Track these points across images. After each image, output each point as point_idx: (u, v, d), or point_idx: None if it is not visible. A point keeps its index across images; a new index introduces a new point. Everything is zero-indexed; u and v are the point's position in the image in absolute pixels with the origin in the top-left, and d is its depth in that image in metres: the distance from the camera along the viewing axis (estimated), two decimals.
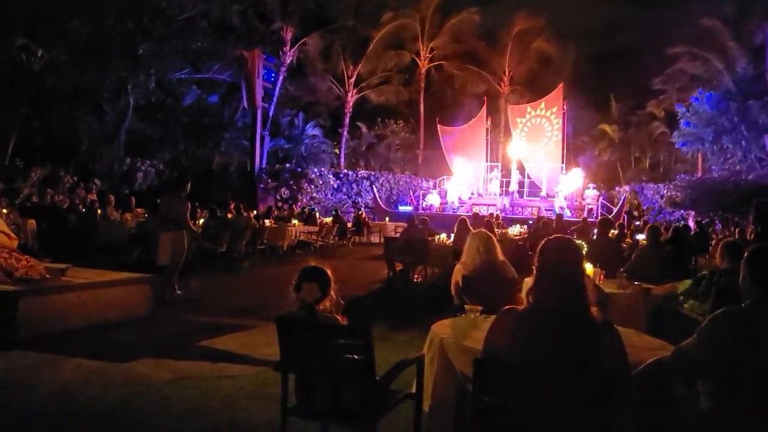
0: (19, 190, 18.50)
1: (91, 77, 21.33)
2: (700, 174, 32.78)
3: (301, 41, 31.57)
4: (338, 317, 3.42)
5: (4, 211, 12.24)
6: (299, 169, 30.09)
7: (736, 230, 18.01)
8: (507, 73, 38.99)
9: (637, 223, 23.24)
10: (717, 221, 25.29)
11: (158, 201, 10.27)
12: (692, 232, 17.48)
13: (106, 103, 23.81)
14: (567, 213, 23.52)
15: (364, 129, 37.98)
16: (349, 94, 35.53)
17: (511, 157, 30.42)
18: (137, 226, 13.59)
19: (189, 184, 9.24)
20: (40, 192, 18.16)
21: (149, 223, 12.38)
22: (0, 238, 6.88)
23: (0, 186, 16.93)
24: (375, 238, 22.29)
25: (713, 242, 16.03)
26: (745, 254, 2.72)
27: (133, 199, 17.31)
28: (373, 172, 34.50)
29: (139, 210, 16.15)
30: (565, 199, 26.58)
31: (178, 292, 8.93)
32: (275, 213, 21.41)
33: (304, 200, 28.89)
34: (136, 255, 11.75)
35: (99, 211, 14.78)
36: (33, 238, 12.67)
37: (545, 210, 25.32)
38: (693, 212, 27.66)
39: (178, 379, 5.12)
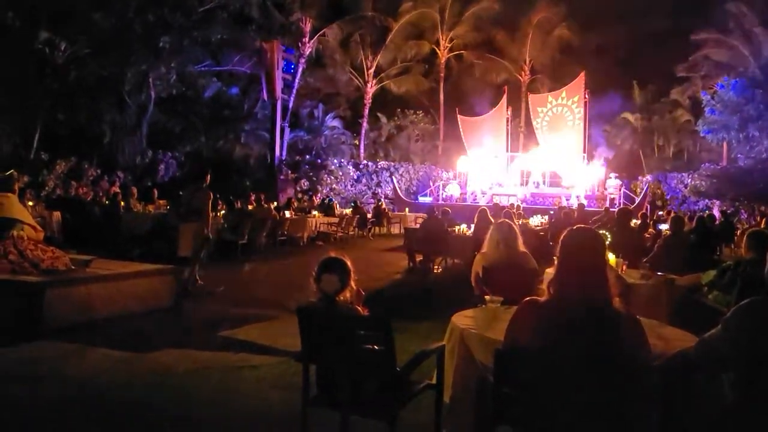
0: (45, 183, 18.75)
1: (114, 70, 21.52)
2: (725, 163, 32.28)
3: (320, 32, 31.51)
4: (359, 308, 3.43)
5: (30, 203, 12.42)
6: (319, 161, 30.14)
7: (762, 220, 17.79)
8: (528, 62, 38.66)
9: (661, 212, 23.00)
10: (742, 211, 24.97)
11: (180, 193, 10.36)
12: (717, 222, 17.29)
13: (128, 95, 23.99)
14: (585, 202, 23.26)
15: (383, 120, 37.91)
16: (369, 85, 35.46)
17: (532, 146, 30.24)
18: (155, 218, 13.69)
19: (209, 175, 9.32)
20: (64, 184, 18.41)
21: (171, 215, 12.48)
22: (26, 230, 6.99)
23: (26, 179, 17.16)
24: (395, 229, 22.28)
25: (738, 232, 15.85)
26: None
27: (156, 191, 17.49)
28: (392, 163, 34.46)
29: (161, 202, 16.32)
30: (586, 190, 26.33)
31: (200, 282, 9.01)
32: (295, 204, 21.49)
33: (324, 191, 28.95)
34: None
35: (122, 203, 14.94)
36: (58, 230, 12.85)
37: (566, 200, 25.15)
38: (718, 201, 27.29)
39: (200, 369, 5.18)
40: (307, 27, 30.78)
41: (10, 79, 19.10)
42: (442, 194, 29.24)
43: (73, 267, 6.95)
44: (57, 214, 13.21)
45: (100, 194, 17.72)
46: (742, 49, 31.05)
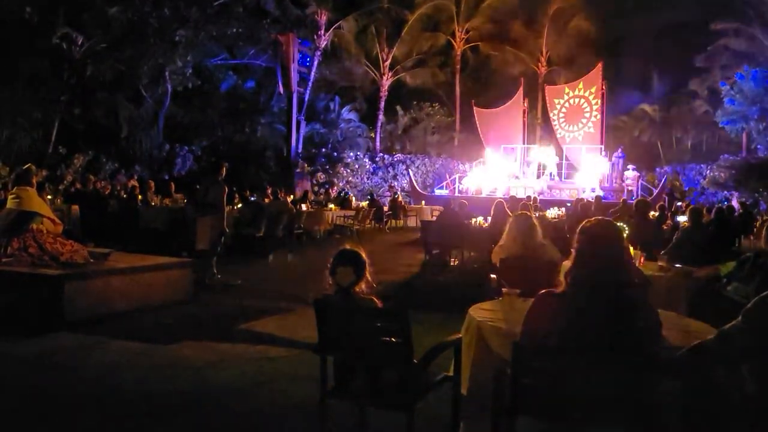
0: (63, 177, 18.93)
1: (130, 64, 21.65)
2: (744, 153, 31.91)
3: (336, 25, 31.47)
4: (375, 299, 3.43)
5: (49, 197, 12.54)
6: (335, 154, 30.15)
7: None
8: (544, 53, 38.34)
9: (679, 204, 22.78)
10: (762, 202, 24.69)
11: (197, 186, 10.43)
12: (736, 213, 17.09)
13: (145, 89, 24.14)
14: (602, 194, 23.04)
15: (400, 112, 37.80)
16: (385, 78, 35.35)
17: (549, 138, 30.04)
18: (172, 212, 13.75)
19: (224, 169, 9.37)
20: (82, 178, 18.56)
21: (189, 208, 12.55)
22: (46, 224, 7.07)
23: (44, 173, 17.34)
24: (411, 222, 22.26)
25: (758, 223, 15.67)
26: None
27: (173, 184, 17.58)
28: (409, 156, 34.38)
29: (178, 195, 16.40)
30: (600, 183, 26.11)
31: (218, 276, 9.06)
32: (312, 197, 21.54)
33: (340, 184, 28.97)
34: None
35: (139, 196, 15.03)
36: (76, 223, 12.96)
37: (583, 192, 24.95)
38: (737, 193, 26.99)
39: (219, 361, 5.22)
40: (323, 19, 30.75)
41: (27, 74, 19.27)
42: (459, 187, 29.11)
43: (91, 260, 7.02)
44: (75, 208, 13.32)
45: (118, 188, 17.85)
46: (761, 38, 30.61)
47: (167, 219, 13.41)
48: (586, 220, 2.79)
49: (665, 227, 11.50)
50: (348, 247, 3.51)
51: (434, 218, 14.73)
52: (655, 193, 25.31)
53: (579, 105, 29.72)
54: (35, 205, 7.11)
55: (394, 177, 32.56)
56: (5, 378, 4.76)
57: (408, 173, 31.46)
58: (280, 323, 6.72)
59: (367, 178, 31.76)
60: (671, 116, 39.81)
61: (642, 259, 6.24)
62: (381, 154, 33.82)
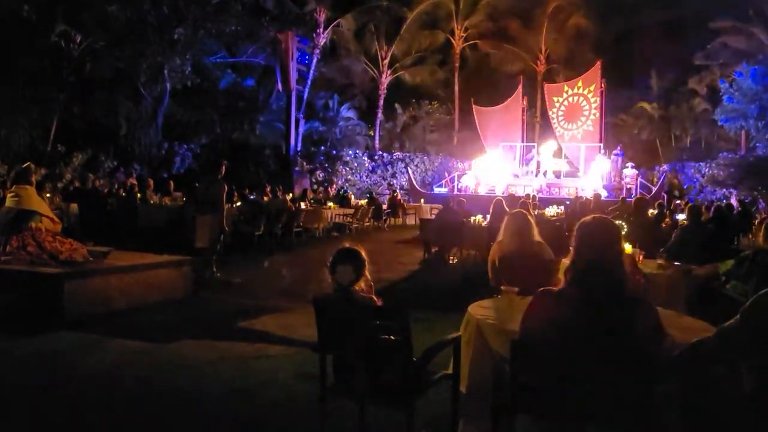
0: (62, 175, 18.91)
1: (129, 62, 21.63)
2: (743, 151, 31.91)
3: (335, 23, 31.42)
4: (374, 298, 3.44)
5: (48, 195, 12.53)
6: (334, 152, 30.13)
7: None
8: (543, 51, 38.32)
9: (678, 202, 22.80)
10: (761, 200, 24.70)
11: (196, 185, 10.42)
12: (735, 211, 17.10)
13: (144, 87, 24.09)
14: (603, 193, 23.07)
15: (399, 110, 37.76)
16: (384, 76, 35.31)
17: (548, 137, 30.01)
18: (171, 210, 13.76)
19: (224, 167, 9.37)
20: (81, 177, 18.54)
21: (188, 206, 12.55)
22: (45, 222, 7.07)
23: (43, 171, 17.31)
24: (410, 220, 22.25)
25: (756, 221, 15.68)
26: None
27: (172, 182, 17.58)
28: (408, 154, 34.37)
29: (177, 193, 16.40)
30: (602, 180, 26.11)
31: (217, 274, 9.06)
32: (311, 195, 21.54)
33: (339, 183, 28.96)
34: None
35: (138, 195, 15.02)
36: (75, 222, 12.95)
37: (582, 190, 24.95)
38: (736, 191, 27.00)
39: (218, 360, 5.22)
40: (322, 17, 30.70)
41: (26, 72, 19.24)
42: (458, 185, 29.10)
43: (90, 258, 7.02)
44: (74, 206, 13.32)
45: (117, 186, 17.83)
46: (760, 36, 30.60)
47: (166, 217, 13.40)
48: (584, 218, 2.80)
49: (664, 225, 11.49)
50: (347, 245, 3.51)
51: (433, 216, 14.74)
52: (653, 191, 25.31)
53: (578, 103, 29.72)
54: (34, 203, 7.11)
55: (393, 175, 32.56)
56: (5, 377, 4.76)
57: (407, 171, 31.47)
58: (279, 321, 6.72)
59: (366, 176, 31.76)
60: (670, 114, 39.78)
61: (641, 257, 6.24)
62: (380, 152, 33.79)
